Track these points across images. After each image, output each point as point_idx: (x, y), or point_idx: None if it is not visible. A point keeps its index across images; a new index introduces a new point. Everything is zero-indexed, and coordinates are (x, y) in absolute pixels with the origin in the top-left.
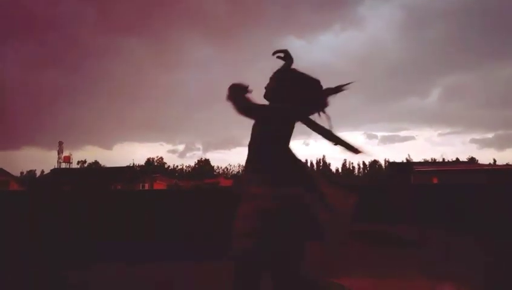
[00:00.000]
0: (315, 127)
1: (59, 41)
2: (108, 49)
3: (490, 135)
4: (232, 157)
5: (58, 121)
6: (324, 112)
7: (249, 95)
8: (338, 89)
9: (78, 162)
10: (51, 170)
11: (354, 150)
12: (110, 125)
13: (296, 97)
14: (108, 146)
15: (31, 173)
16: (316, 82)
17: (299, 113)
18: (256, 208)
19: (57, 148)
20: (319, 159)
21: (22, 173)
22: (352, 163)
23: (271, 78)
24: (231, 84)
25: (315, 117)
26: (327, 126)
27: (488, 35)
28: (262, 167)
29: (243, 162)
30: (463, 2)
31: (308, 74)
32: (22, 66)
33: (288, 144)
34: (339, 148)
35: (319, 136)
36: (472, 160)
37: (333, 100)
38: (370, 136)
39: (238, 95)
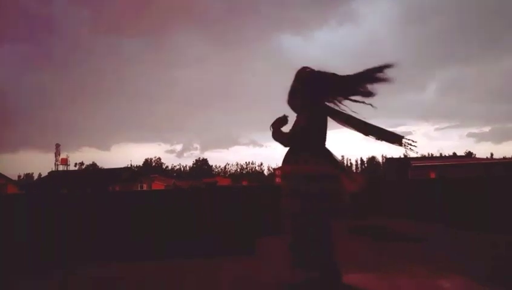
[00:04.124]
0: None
1: (54, 42)
2: (105, 49)
3: (487, 129)
4: (230, 156)
5: (55, 123)
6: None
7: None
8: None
9: (75, 164)
10: (49, 173)
11: (396, 138)
12: (107, 126)
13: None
14: (105, 147)
15: (29, 176)
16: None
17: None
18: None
19: (54, 151)
20: None
21: (19, 176)
22: (350, 159)
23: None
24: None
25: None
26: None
27: (485, 29)
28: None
29: (242, 161)
30: None
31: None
32: (18, 67)
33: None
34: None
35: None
36: (469, 154)
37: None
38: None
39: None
